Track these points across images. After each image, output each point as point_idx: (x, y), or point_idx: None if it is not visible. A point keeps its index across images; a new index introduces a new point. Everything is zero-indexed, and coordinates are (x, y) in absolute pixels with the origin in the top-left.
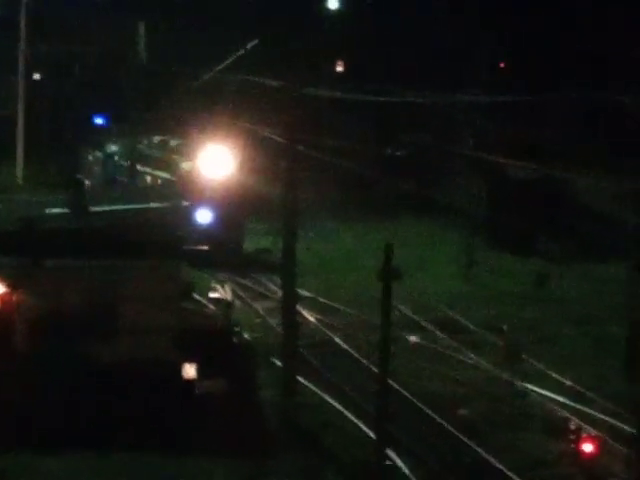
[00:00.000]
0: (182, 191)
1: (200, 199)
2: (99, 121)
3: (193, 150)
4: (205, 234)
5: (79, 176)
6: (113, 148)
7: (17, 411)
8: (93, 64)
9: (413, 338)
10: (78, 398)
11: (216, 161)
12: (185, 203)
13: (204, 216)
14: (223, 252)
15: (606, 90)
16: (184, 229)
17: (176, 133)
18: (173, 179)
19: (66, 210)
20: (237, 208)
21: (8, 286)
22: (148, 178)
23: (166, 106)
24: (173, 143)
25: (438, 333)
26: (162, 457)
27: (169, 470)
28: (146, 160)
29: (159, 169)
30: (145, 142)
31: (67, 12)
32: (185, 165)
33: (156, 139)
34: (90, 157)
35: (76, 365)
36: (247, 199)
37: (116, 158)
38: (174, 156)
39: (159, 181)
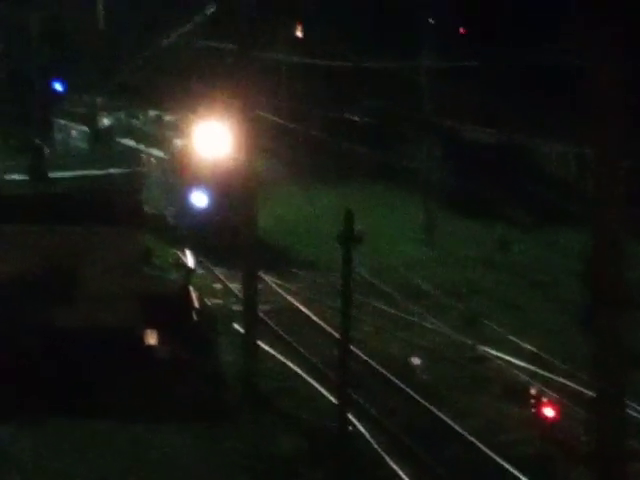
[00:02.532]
0: (176, 171)
1: (195, 180)
2: (58, 87)
3: (188, 126)
4: (202, 217)
5: (38, 141)
6: (106, 122)
7: None
8: (50, 30)
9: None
10: (37, 364)
11: (212, 139)
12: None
13: (200, 199)
14: (226, 235)
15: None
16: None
17: (165, 108)
18: (167, 157)
19: (25, 176)
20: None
21: None
22: (143, 157)
23: (133, 75)
24: (168, 118)
25: (398, 297)
26: (120, 422)
27: (127, 436)
28: (141, 137)
29: (153, 146)
30: (141, 117)
31: None
32: (179, 142)
33: (152, 114)
34: (74, 132)
35: (35, 331)
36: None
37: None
38: (168, 132)
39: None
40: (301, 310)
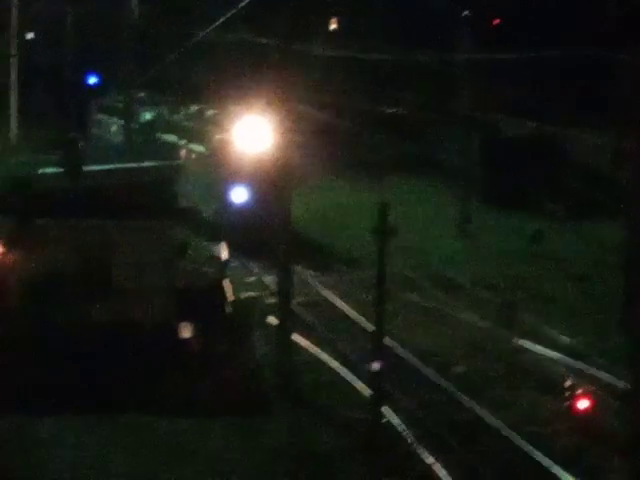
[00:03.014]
0: (217, 166)
1: (236, 175)
2: (93, 81)
3: (228, 121)
4: (243, 212)
5: (73, 135)
6: (147, 116)
7: (12, 373)
8: (86, 23)
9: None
10: (74, 359)
11: (253, 133)
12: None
13: (240, 194)
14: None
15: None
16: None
17: (206, 102)
18: (207, 152)
19: (60, 170)
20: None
21: (3, 246)
22: (183, 151)
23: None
24: (209, 113)
25: (433, 290)
26: (158, 416)
27: (165, 429)
28: (182, 132)
29: (194, 141)
30: (182, 112)
31: None
32: (218, 137)
33: (193, 109)
34: (113, 127)
35: (71, 325)
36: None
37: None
38: (208, 127)
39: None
40: (335, 303)
